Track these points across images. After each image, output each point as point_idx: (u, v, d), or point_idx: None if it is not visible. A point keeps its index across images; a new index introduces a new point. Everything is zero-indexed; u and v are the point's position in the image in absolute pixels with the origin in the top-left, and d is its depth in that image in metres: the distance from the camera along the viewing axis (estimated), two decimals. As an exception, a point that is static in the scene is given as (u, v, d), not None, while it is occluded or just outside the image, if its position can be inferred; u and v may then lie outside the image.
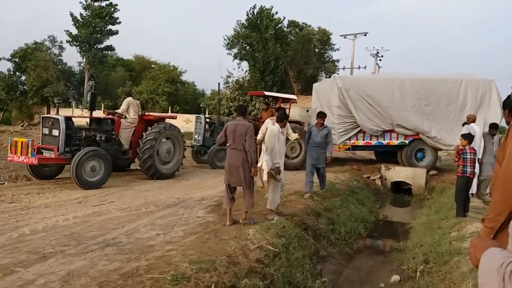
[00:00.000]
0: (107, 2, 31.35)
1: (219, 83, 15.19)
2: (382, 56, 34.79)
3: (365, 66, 33.61)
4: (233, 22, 33.61)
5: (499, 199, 2.08)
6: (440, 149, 13.17)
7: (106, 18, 31.26)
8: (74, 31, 30.99)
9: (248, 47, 30.09)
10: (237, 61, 31.03)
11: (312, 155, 8.17)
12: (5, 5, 79.85)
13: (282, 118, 6.39)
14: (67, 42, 31.75)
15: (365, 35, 31.87)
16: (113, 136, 9.27)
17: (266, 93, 13.69)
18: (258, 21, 28.92)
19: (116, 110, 9.97)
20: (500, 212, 2.05)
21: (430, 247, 5.87)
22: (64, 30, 31.09)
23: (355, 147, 13.01)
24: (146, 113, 10.43)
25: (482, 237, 2.12)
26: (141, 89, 32.81)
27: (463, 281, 4.21)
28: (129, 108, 9.68)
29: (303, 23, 35.02)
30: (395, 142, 12.69)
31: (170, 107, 31.77)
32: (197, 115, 13.31)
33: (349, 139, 12.57)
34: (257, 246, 5.00)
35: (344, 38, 32.55)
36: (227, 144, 5.76)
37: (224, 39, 30.61)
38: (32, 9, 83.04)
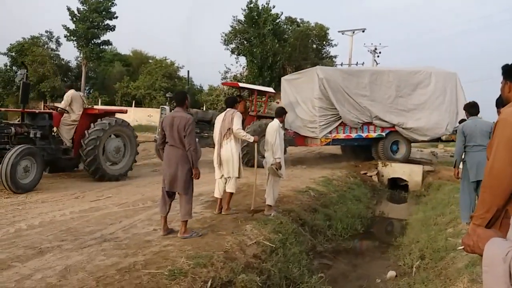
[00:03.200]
0: (104, -3, 31.08)
1: (188, 71, 14.61)
2: (380, 53, 34.85)
3: (363, 63, 33.62)
4: (230, 19, 33.41)
5: (486, 196, 2.11)
6: (416, 141, 13.39)
7: (103, 12, 31.01)
8: (72, 26, 30.76)
9: (245, 42, 30.03)
10: (234, 56, 31.03)
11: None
12: (1, -1, 79.22)
13: (281, 113, 6.39)
14: (64, 37, 31.51)
15: (363, 31, 31.91)
16: (52, 133, 8.33)
17: (241, 84, 13.10)
18: (256, 16, 28.84)
19: (57, 105, 8.88)
20: (488, 209, 2.09)
21: (426, 243, 5.90)
22: (62, 25, 30.84)
23: (336, 141, 12.71)
24: (90, 107, 9.40)
25: (470, 234, 2.16)
26: (138, 84, 32.70)
27: (459, 277, 4.24)
28: (72, 103, 8.59)
29: (300, 19, 35.04)
30: (373, 134, 12.66)
31: (167, 102, 31.67)
32: (162, 106, 12.29)
33: (330, 132, 12.24)
34: (254, 242, 5.02)
35: (342, 34, 32.58)
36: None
37: (221, 36, 30.63)
38: (29, 3, 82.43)
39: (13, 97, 34.51)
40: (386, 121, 12.50)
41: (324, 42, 36.40)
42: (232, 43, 30.85)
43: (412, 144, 13.79)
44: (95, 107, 9.72)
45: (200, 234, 4.92)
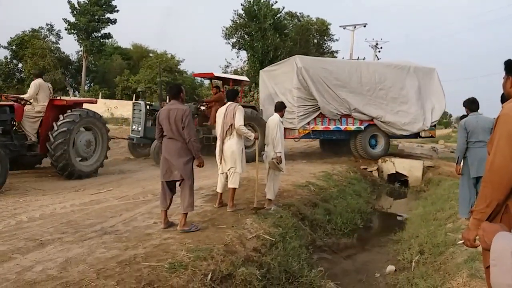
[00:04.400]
0: (105, -10, 31.02)
1: (159, 63, 13.85)
2: (381, 48, 34.74)
3: (364, 58, 33.44)
4: (231, 13, 33.35)
5: (487, 191, 2.12)
6: (394, 136, 13.18)
7: (104, 6, 30.94)
8: (72, 19, 30.69)
9: (246, 37, 29.95)
10: (235, 50, 30.96)
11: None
12: (2, -9, 78.87)
13: (280, 108, 6.38)
14: (65, 30, 31.52)
15: (364, 26, 31.77)
16: (14, 127, 7.60)
17: (216, 74, 12.21)
18: (256, 11, 28.73)
19: (22, 96, 8.07)
20: (488, 204, 2.11)
21: (426, 238, 5.91)
22: (62, 18, 30.82)
23: (315, 133, 12.28)
24: (58, 97, 8.73)
25: (471, 228, 2.18)
26: (139, 78, 32.66)
27: (458, 272, 4.25)
28: (39, 92, 7.90)
29: (301, 14, 34.94)
30: (351, 127, 12.33)
31: (167, 97, 31.70)
32: (135, 101, 11.33)
33: (309, 123, 11.75)
34: (254, 235, 5.03)
35: (344, 29, 32.46)
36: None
37: (222, 30, 30.55)
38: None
39: (14, 90, 34.54)
40: (365, 114, 12.18)
41: (325, 37, 36.34)
42: (233, 37, 30.78)
43: (413, 140, 13.78)
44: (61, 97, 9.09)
45: (199, 228, 4.88)
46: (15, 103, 7.63)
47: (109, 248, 4.14)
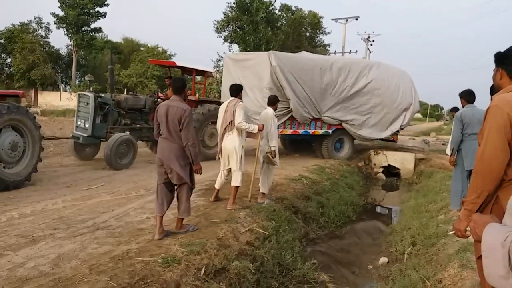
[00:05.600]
0: (94, -17, 30.61)
1: (110, 47, 11.94)
2: (373, 41, 34.76)
3: (356, 51, 33.53)
4: (223, 6, 33.22)
5: (478, 182, 2.15)
6: (363, 139, 12.73)
7: (94, -1, 30.57)
8: (61, 13, 30.25)
9: (238, 30, 29.83)
10: (227, 44, 30.83)
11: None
12: (-11, -16, 77.53)
13: (274, 101, 6.35)
14: (54, 24, 31.09)
15: (356, 19, 31.73)
16: None
17: (178, 63, 10.97)
18: (248, 3, 28.60)
19: None
20: (479, 195, 2.13)
21: (418, 230, 5.97)
22: (50, 13, 30.41)
23: (282, 136, 11.68)
24: None
25: (461, 219, 2.20)
26: (130, 72, 32.40)
27: (449, 262, 4.30)
28: None
29: (295, 7, 34.83)
30: (320, 131, 11.64)
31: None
32: (81, 92, 9.53)
33: (278, 127, 11.42)
34: (248, 229, 5.04)
35: (336, 22, 32.40)
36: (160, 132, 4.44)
37: (214, 24, 30.37)
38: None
39: (3, 85, 34.10)
40: (335, 118, 11.59)
41: (318, 30, 36.27)
42: (225, 31, 30.60)
43: (405, 133, 13.61)
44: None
45: (196, 228, 4.69)
46: None
47: (101, 243, 4.12)
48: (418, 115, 78.73)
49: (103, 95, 9.36)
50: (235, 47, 30.67)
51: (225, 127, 5.59)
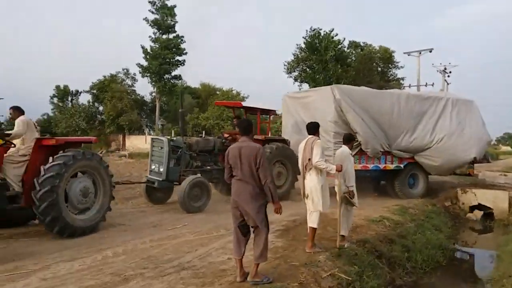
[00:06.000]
0: (174, 35, 33.36)
1: (181, 91, 11.71)
2: (450, 72, 33.09)
3: (433, 83, 32.02)
4: (293, 48, 34.25)
5: None
6: (437, 173, 11.89)
7: (174, 49, 33.17)
8: (145, 63, 33.22)
9: (308, 70, 30.37)
10: (297, 83, 31.42)
11: None
12: (82, 40, 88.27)
13: (349, 139, 6.26)
14: (139, 73, 34.14)
15: (430, 52, 30.62)
16: None
17: (244, 104, 11.03)
18: (317, 43, 29.14)
19: (9, 132, 6.58)
20: None
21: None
22: (136, 64, 33.46)
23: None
24: (46, 136, 7.09)
25: None
26: (208, 115, 34.11)
27: None
28: (26, 131, 6.47)
29: (364, 43, 34.72)
30: (391, 166, 11.01)
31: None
32: (154, 136, 9.70)
33: None
34: (329, 274, 4.88)
35: (408, 55, 31.52)
36: (233, 174, 4.40)
37: (284, 65, 31.33)
38: (107, 44, 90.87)
39: (96, 130, 37.80)
40: (406, 151, 11.01)
41: (390, 65, 35.59)
42: (295, 71, 31.38)
43: (494, 168, 12.52)
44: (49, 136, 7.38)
45: (271, 280, 4.40)
46: None
47: (187, 284, 4.25)
48: (508, 148, 72.09)
49: (175, 138, 9.51)
50: (305, 86, 31.15)
51: (305, 165, 5.52)
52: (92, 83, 38.73)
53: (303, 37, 30.02)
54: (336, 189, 5.90)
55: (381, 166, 10.93)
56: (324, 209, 5.49)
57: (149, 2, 32.31)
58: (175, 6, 32.73)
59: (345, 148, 6.12)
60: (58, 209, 6.10)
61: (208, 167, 9.69)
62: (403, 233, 7.63)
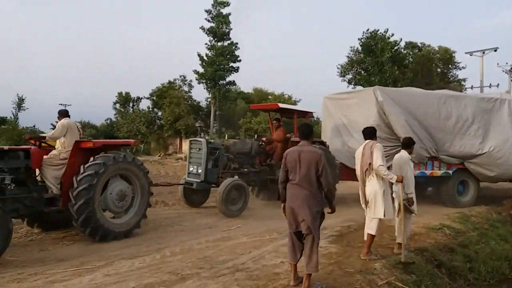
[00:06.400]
0: (229, 42, 34.18)
1: (217, 95, 10.64)
2: (517, 72, 30.68)
3: (498, 84, 29.95)
4: (346, 51, 33.77)
5: None
6: (489, 180, 10.90)
7: (228, 56, 33.98)
8: (201, 70, 34.35)
9: (363, 72, 29.74)
10: (351, 86, 30.85)
11: None
12: (142, 50, 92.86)
13: (409, 144, 6.06)
14: (195, 80, 35.38)
15: (495, 51, 28.62)
16: (33, 175, 6.22)
17: (281, 105, 10.56)
18: (373, 45, 28.46)
19: (45, 134, 6.74)
20: None
21: None
22: (193, 70, 34.70)
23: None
24: (85, 139, 6.90)
25: None
26: (260, 119, 34.49)
27: None
28: (67, 134, 6.48)
29: (421, 43, 33.36)
30: (438, 172, 10.32)
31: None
32: (193, 138, 9.62)
33: (389, 168, 9.93)
34: (385, 282, 4.76)
35: (470, 55, 29.71)
36: (289, 179, 4.32)
37: (338, 68, 30.92)
38: (165, 53, 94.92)
39: (155, 135, 39.64)
40: (455, 156, 10.32)
41: (450, 66, 33.87)
42: (349, 74, 30.87)
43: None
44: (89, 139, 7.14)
45: (325, 287, 4.35)
46: (32, 147, 6.35)
47: (241, 285, 4.35)
48: None
49: (212, 140, 9.40)
50: (360, 89, 30.51)
51: (365, 171, 5.35)
52: (152, 90, 40.88)
53: (358, 39, 29.56)
54: (394, 195, 5.73)
55: (428, 172, 10.33)
56: (388, 216, 5.32)
57: (205, 11, 33.47)
58: (229, 14, 33.58)
59: (404, 153, 5.95)
60: (93, 208, 6.01)
61: (245, 170, 9.57)
62: (464, 242, 7.22)
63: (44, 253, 5.73)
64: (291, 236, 4.36)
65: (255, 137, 11.74)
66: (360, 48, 29.64)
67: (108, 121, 46.94)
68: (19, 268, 4.96)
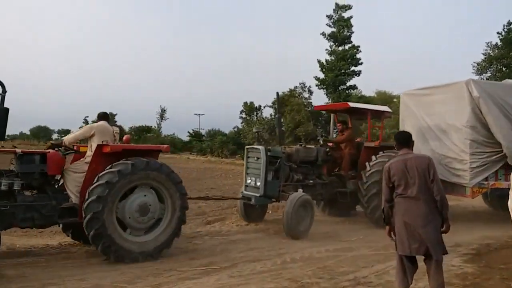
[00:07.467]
0: (350, 45, 33.45)
1: (277, 94, 9.69)
2: None
3: None
4: (481, 47, 30.21)
5: None
6: None
7: (349, 60, 33.29)
8: (321, 76, 34.36)
9: (504, 69, 26.30)
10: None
11: None
12: (264, 60, 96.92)
13: None
14: (315, 86, 35.55)
15: None
16: (52, 182, 5.73)
17: (351, 104, 9.22)
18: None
19: (55, 142, 6.15)
20: None
21: None
22: (314, 77, 34.90)
23: (494, 191, 8.49)
24: (106, 143, 5.77)
25: None
26: (392, 123, 33.07)
27: None
28: (93, 138, 5.80)
29: None
30: None
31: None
32: (249, 146, 8.54)
33: (487, 178, 8.16)
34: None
35: None
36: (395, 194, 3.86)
37: (473, 66, 27.93)
38: (287, 62, 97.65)
39: (277, 141, 40.95)
40: None
41: None
42: (487, 72, 27.64)
43: None
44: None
45: None
46: (50, 151, 5.72)
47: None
48: None
49: (272, 147, 8.18)
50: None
51: None
52: (274, 98, 42.35)
53: (497, 33, 26.25)
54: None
55: None
56: None
57: (326, 16, 33.40)
58: (351, 17, 32.91)
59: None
60: (103, 223, 5.23)
61: (311, 181, 8.33)
62: None
63: (177, 250, 6.32)
64: (401, 259, 3.84)
65: (321, 142, 10.76)
66: (499, 43, 26.31)
67: (236, 129, 50.17)
68: (156, 264, 5.52)
